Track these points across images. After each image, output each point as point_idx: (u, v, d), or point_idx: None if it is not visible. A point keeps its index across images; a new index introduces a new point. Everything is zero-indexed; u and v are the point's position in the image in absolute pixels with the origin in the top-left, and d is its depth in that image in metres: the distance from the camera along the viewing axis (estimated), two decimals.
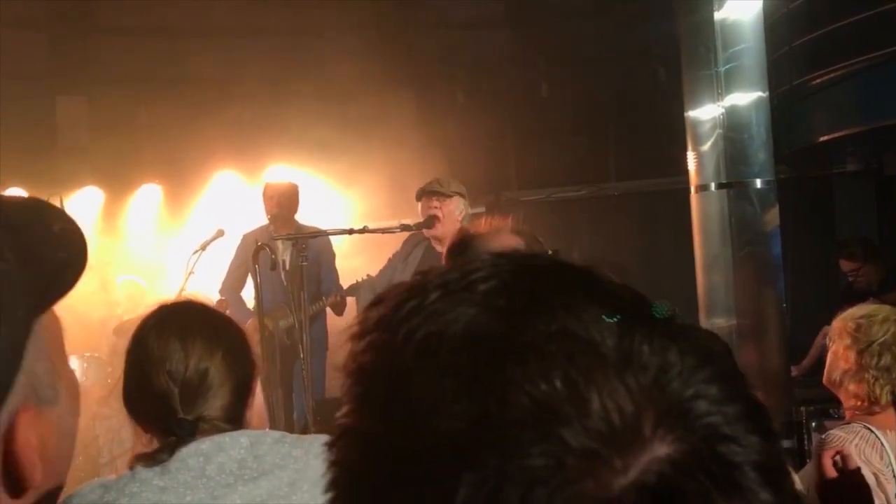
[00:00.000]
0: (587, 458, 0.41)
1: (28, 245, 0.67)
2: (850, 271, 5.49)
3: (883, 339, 2.20)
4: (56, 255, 0.71)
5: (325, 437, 1.69)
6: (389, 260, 4.61)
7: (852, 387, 2.22)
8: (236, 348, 1.55)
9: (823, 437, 2.26)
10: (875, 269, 5.45)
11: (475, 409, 0.43)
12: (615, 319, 0.45)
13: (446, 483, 0.42)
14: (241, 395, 1.54)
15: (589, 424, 0.42)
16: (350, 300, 4.98)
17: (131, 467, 1.43)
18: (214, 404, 1.49)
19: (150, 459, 1.44)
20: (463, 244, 2.05)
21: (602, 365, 0.43)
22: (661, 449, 0.41)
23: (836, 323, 2.32)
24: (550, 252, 3.90)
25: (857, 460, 1.92)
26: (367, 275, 4.82)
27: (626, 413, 0.42)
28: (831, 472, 1.91)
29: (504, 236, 2.04)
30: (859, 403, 2.22)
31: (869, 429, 2.16)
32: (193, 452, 1.41)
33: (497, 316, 0.45)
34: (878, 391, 2.18)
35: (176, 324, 1.54)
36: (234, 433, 1.46)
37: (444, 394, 0.44)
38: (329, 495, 0.48)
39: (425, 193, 4.35)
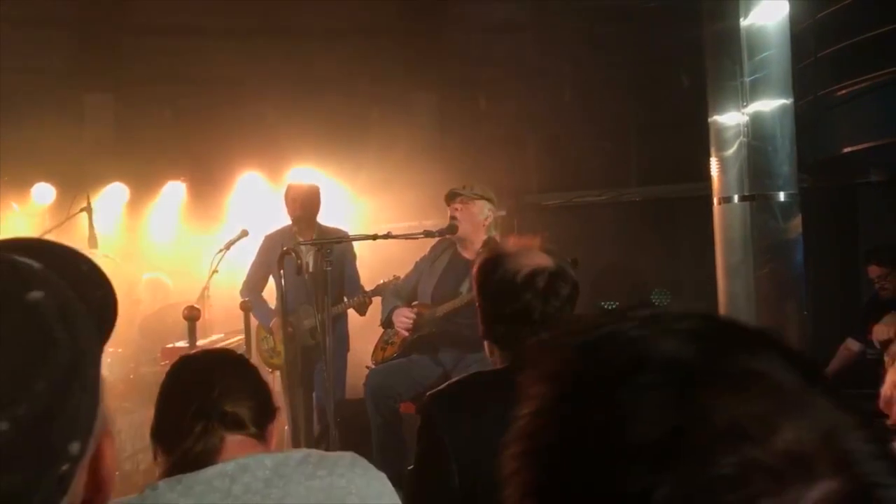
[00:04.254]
0: (773, 477, 0.48)
1: (73, 285, 0.70)
2: (878, 277, 5.37)
3: None
4: (95, 294, 0.74)
5: (349, 456, 1.71)
6: (416, 264, 4.65)
7: None
8: (262, 384, 1.71)
9: None
10: None
11: (674, 421, 0.50)
12: (797, 374, 0.53)
13: (644, 482, 0.48)
14: (265, 414, 1.65)
15: (777, 448, 0.48)
16: (375, 300, 5.02)
17: (153, 487, 1.43)
18: (247, 405, 1.60)
19: (174, 473, 1.46)
20: (491, 265, 2.06)
21: (790, 404, 0.51)
22: (832, 485, 0.48)
23: (878, 330, 2.28)
24: (569, 261, 3.92)
25: None
26: (395, 275, 4.86)
27: (808, 447, 0.49)
28: None
29: (535, 254, 2.05)
30: None
31: None
32: (219, 474, 1.42)
33: (697, 349, 0.53)
34: None
35: (216, 353, 1.82)
36: (259, 455, 1.49)
37: (645, 405, 0.51)
38: (521, 480, 0.56)
39: (449, 197, 4.41)
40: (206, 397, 1.55)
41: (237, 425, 1.56)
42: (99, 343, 0.71)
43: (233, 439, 1.54)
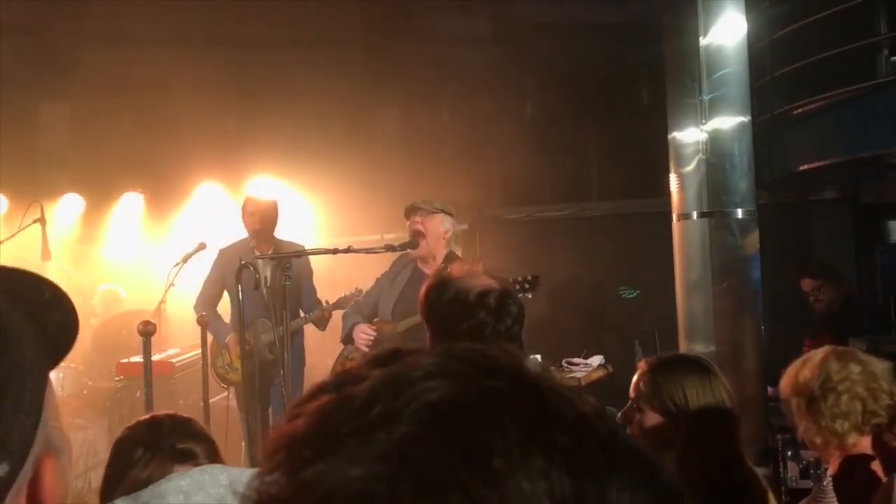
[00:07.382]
0: None
1: (28, 309, 0.71)
2: (812, 290, 5.61)
3: (820, 381, 2.14)
4: (53, 317, 0.76)
5: None
6: (377, 280, 4.62)
7: (819, 440, 2.15)
8: (210, 437, 1.73)
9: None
10: (836, 289, 5.58)
11: None
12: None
13: None
14: (216, 457, 1.66)
15: None
16: (335, 314, 4.97)
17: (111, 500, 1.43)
18: (198, 444, 1.61)
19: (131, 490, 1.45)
20: (442, 285, 2.12)
21: None
22: None
23: (782, 384, 2.27)
24: (530, 278, 3.92)
25: None
26: (357, 289, 4.82)
27: None
28: None
29: (482, 276, 2.13)
30: (837, 452, 2.14)
31: None
32: (174, 489, 1.40)
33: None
34: (840, 430, 2.11)
35: (164, 413, 1.75)
36: (215, 471, 1.47)
37: None
38: None
39: (409, 211, 4.39)
40: (155, 433, 1.55)
41: (188, 457, 1.53)
42: (45, 365, 0.70)
43: (182, 469, 1.50)
